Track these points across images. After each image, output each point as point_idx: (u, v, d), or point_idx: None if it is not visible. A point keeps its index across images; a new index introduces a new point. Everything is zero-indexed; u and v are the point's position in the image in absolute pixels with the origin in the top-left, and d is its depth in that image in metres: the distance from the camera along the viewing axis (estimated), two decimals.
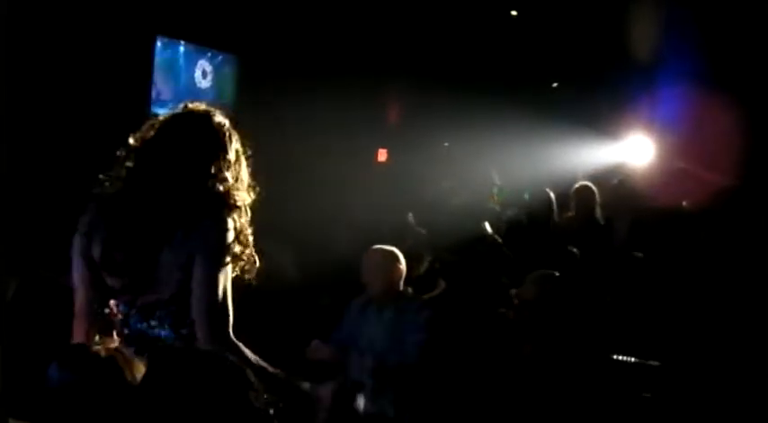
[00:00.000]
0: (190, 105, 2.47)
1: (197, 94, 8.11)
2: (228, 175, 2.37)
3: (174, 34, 7.79)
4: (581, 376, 3.64)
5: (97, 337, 2.34)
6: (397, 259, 4.14)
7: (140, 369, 1.83)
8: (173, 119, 2.44)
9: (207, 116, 2.44)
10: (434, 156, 9.68)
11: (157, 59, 7.63)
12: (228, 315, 2.30)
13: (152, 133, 2.40)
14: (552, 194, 6.62)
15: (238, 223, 2.37)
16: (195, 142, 2.38)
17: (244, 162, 2.45)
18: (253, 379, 1.60)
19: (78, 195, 2.52)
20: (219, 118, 2.44)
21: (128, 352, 2.09)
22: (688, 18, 8.17)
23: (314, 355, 4.04)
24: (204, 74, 8.24)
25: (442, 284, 5.30)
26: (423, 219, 6.61)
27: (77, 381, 1.76)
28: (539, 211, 6.56)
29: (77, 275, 2.40)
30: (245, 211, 2.41)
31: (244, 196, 2.41)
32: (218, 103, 8.25)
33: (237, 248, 2.35)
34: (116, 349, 1.90)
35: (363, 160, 9.69)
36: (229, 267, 2.32)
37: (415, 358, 3.96)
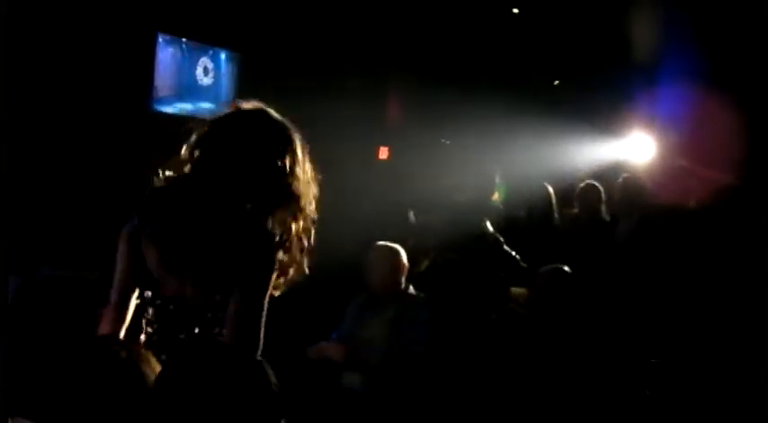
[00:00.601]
0: (241, 104, 2.46)
1: (198, 91, 8.10)
2: (298, 171, 2.37)
3: (176, 31, 7.78)
4: (593, 374, 3.66)
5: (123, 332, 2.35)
6: (400, 257, 4.15)
7: (157, 368, 1.83)
8: (230, 116, 2.41)
9: (265, 112, 2.42)
10: (436, 153, 9.67)
11: (158, 57, 7.62)
12: (261, 331, 2.29)
13: (211, 132, 2.37)
14: (551, 189, 6.62)
15: (294, 230, 2.38)
16: (260, 138, 2.35)
17: (308, 162, 2.43)
18: (272, 377, 1.60)
19: (81, 191, 2.52)
20: (277, 115, 2.42)
21: (148, 349, 2.09)
22: (688, 16, 8.16)
23: (321, 354, 4.03)
24: (206, 71, 8.22)
25: (425, 263, 5.30)
26: (425, 216, 6.60)
27: (92, 378, 1.75)
28: (537, 207, 6.56)
29: (122, 269, 2.37)
30: (310, 212, 2.43)
31: (310, 194, 2.43)
32: (219, 100, 8.28)
33: (286, 257, 2.36)
34: (135, 347, 1.89)
35: (364, 158, 9.68)
36: (270, 288, 2.32)
37: (417, 357, 3.96)
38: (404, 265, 4.17)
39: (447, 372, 4.09)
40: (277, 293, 2.39)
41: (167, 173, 2.39)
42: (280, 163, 2.34)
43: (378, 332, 4.08)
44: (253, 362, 1.62)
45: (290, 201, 2.37)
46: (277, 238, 2.34)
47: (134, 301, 2.39)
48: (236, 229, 2.29)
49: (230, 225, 2.29)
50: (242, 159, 2.32)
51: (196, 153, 2.36)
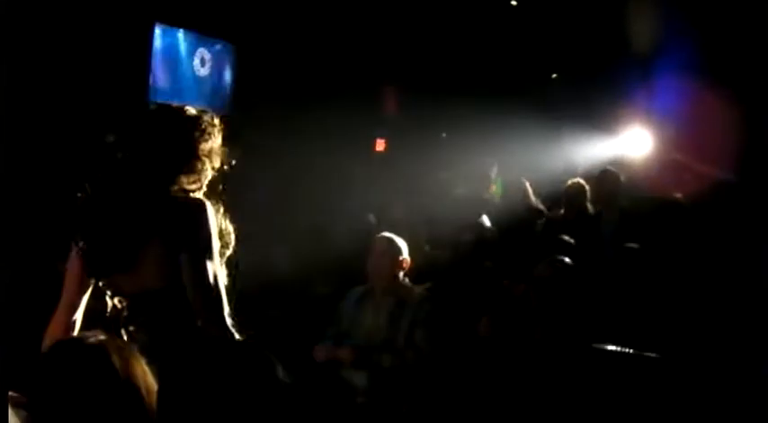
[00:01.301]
0: (158, 105, 2.57)
1: (195, 82, 8.09)
2: (195, 175, 2.44)
3: (173, 22, 7.76)
4: (584, 364, 3.68)
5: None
6: (401, 249, 4.10)
7: (136, 356, 1.84)
8: (141, 119, 2.55)
9: (175, 113, 2.51)
10: (433, 146, 9.68)
11: (156, 47, 7.60)
12: (222, 301, 2.37)
13: (125, 135, 2.51)
14: (527, 183, 6.67)
15: (219, 219, 2.45)
16: (160, 141, 2.44)
17: (210, 163, 2.49)
18: (281, 372, 1.61)
19: (77, 184, 2.56)
20: (190, 114, 2.50)
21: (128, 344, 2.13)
22: (686, 10, 8.16)
23: (330, 355, 4.01)
24: (203, 62, 8.21)
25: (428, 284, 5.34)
26: (422, 209, 6.61)
27: (65, 370, 1.77)
28: (513, 200, 6.60)
29: (70, 274, 2.48)
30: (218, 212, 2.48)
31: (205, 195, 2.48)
32: (216, 91, 8.28)
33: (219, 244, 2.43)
34: (109, 337, 1.92)
35: (361, 150, 9.69)
36: (217, 256, 2.39)
37: (429, 353, 3.93)
38: (406, 258, 4.12)
39: (451, 368, 4.08)
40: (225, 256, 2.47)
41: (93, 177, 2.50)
42: (175, 165, 2.43)
43: (375, 327, 4.03)
44: (261, 357, 1.63)
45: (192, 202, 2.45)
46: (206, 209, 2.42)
47: (83, 305, 2.49)
48: (166, 214, 2.37)
49: (153, 212, 2.37)
50: (138, 162, 2.43)
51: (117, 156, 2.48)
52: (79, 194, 2.47)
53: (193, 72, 8.15)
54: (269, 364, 1.62)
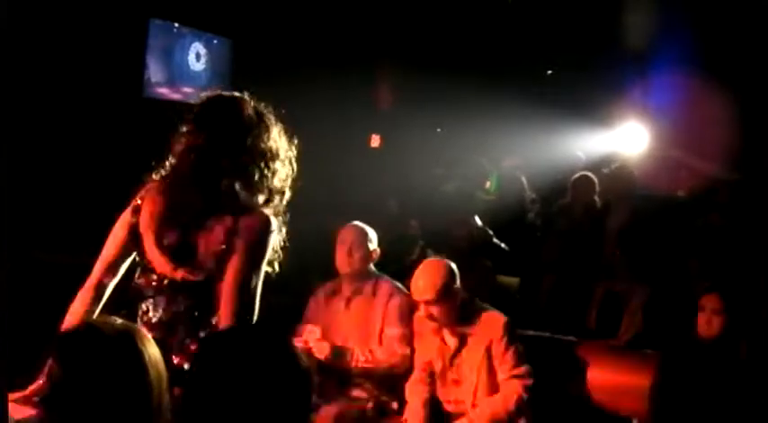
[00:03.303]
0: (222, 93, 2.52)
1: (190, 77, 8.06)
2: (279, 152, 2.43)
3: (168, 16, 7.73)
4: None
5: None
6: (372, 239, 3.94)
7: (152, 342, 1.82)
8: (211, 104, 2.47)
9: (241, 98, 2.49)
10: (428, 142, 9.67)
11: (150, 42, 7.56)
12: (253, 313, 2.34)
13: (195, 119, 2.44)
14: (524, 179, 6.66)
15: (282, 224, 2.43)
16: (242, 121, 2.41)
17: (281, 157, 2.47)
18: (303, 360, 1.60)
19: (74, 177, 2.53)
20: (254, 106, 2.48)
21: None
22: (682, 4, 8.16)
23: (305, 347, 3.93)
24: (198, 57, 8.17)
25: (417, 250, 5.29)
26: (415, 205, 6.60)
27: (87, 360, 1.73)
28: (510, 196, 6.60)
29: (112, 250, 2.43)
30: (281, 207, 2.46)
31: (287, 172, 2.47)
32: (211, 86, 8.24)
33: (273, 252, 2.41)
34: (130, 322, 1.88)
35: (357, 145, 9.68)
36: (264, 266, 2.36)
37: (400, 351, 3.78)
38: (374, 248, 3.92)
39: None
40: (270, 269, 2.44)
41: (159, 163, 2.47)
42: (262, 144, 2.41)
43: (348, 325, 3.90)
44: (283, 344, 1.61)
45: (273, 180, 2.44)
46: (268, 217, 2.39)
47: (114, 284, 2.45)
48: (227, 211, 2.34)
49: (221, 209, 2.34)
50: (230, 146, 2.37)
51: (183, 140, 2.42)
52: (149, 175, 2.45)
53: (188, 67, 8.11)
54: (291, 351, 1.60)
